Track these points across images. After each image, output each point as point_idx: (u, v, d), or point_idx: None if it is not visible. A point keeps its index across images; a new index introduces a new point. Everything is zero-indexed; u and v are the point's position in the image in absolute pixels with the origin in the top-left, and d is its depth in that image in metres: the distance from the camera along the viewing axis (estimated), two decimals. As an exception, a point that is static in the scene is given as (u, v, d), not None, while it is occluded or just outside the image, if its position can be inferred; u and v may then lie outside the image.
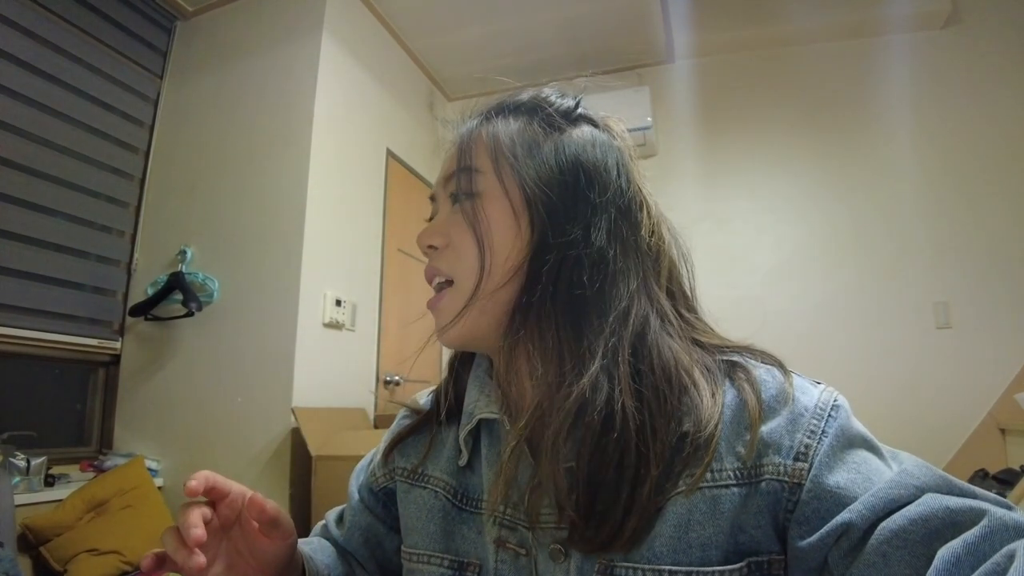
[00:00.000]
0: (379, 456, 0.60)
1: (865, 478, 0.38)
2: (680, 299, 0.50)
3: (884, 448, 0.43)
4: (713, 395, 0.42)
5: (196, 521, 0.41)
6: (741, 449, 0.41)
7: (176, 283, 2.09)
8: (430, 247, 0.51)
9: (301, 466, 1.89)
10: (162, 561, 0.43)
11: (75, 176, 2.12)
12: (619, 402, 0.41)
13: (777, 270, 2.69)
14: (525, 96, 0.53)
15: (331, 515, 0.64)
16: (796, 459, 0.40)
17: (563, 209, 0.46)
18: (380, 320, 2.50)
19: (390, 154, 2.68)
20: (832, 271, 2.62)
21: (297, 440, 1.90)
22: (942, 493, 0.36)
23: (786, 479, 0.40)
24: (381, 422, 2.32)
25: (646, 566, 0.40)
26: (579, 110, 0.52)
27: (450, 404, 0.54)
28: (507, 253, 0.47)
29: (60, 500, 1.74)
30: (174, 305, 2.11)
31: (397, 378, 2.53)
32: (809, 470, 0.39)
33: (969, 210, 2.49)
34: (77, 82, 2.13)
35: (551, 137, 0.49)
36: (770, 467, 0.40)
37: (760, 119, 2.86)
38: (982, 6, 2.63)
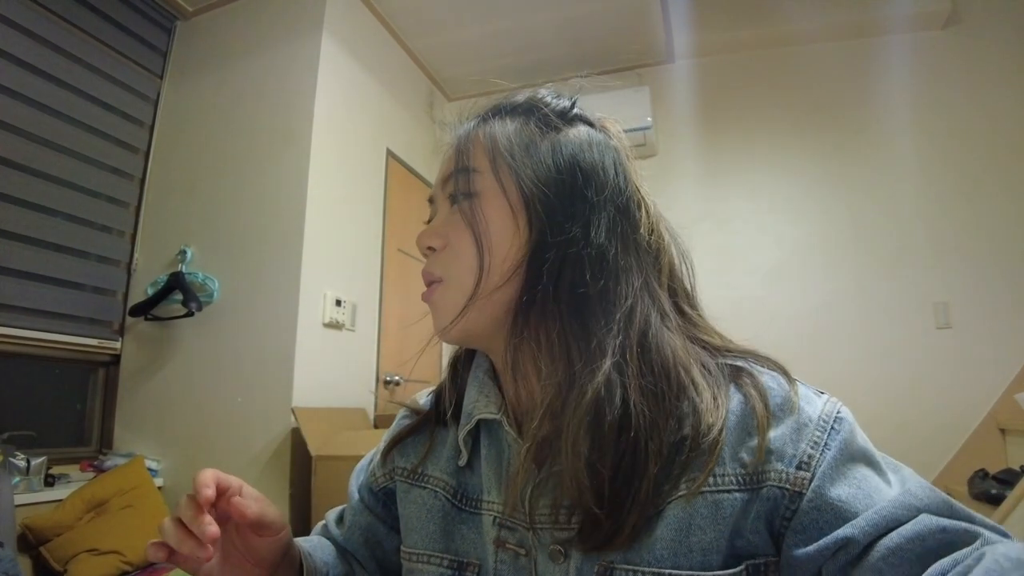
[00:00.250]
0: (379, 456, 0.60)
1: (866, 495, 0.39)
2: (682, 297, 0.50)
3: (884, 461, 0.43)
4: (715, 398, 0.42)
5: (207, 518, 0.42)
6: (745, 455, 0.41)
7: (176, 283, 2.09)
8: (429, 248, 0.51)
9: (301, 466, 1.89)
10: (170, 551, 0.43)
11: (75, 176, 2.12)
12: (632, 400, 0.41)
13: (777, 270, 2.69)
14: (521, 97, 0.53)
15: (331, 515, 0.64)
16: (799, 468, 0.40)
17: (561, 208, 0.46)
18: (380, 320, 2.50)
19: (390, 154, 2.68)
20: (832, 271, 2.62)
21: (297, 440, 1.90)
22: (942, 515, 0.37)
23: (787, 487, 0.40)
24: (381, 422, 2.32)
25: (646, 568, 0.40)
26: (575, 110, 0.52)
27: (449, 404, 0.54)
28: (506, 252, 0.47)
29: (60, 500, 1.74)
30: (174, 305, 2.11)
31: (397, 378, 2.53)
32: (811, 480, 0.40)
33: (969, 210, 2.49)
34: (77, 82, 2.13)
35: (548, 137, 0.49)
36: (773, 474, 0.40)
37: (760, 119, 2.86)
38: (982, 6, 2.63)
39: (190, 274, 2.15)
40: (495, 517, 0.48)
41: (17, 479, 1.70)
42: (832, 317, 2.57)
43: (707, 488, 0.40)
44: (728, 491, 0.40)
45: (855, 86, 2.72)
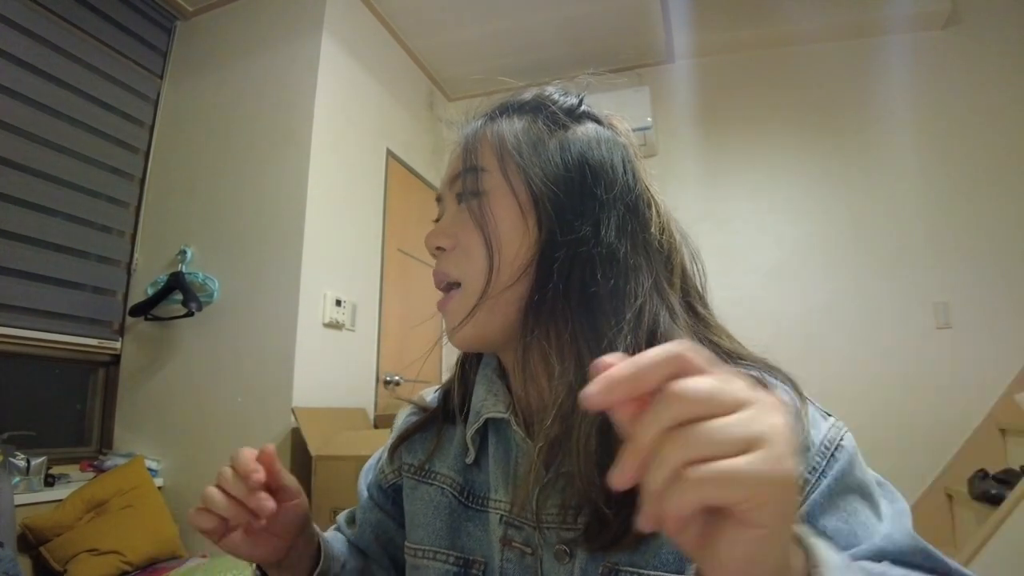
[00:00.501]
0: (386, 453, 0.60)
1: (851, 531, 0.39)
2: (694, 297, 0.50)
3: (883, 490, 0.43)
4: None
5: (263, 493, 0.44)
6: None
7: (176, 283, 2.09)
8: (438, 248, 0.51)
9: (301, 466, 1.89)
10: (224, 522, 0.44)
11: (75, 176, 2.11)
12: None
13: (777, 270, 2.69)
14: (528, 95, 0.53)
15: (341, 517, 0.65)
16: None
17: (571, 206, 0.46)
18: (380, 320, 2.50)
19: (390, 154, 2.68)
20: (832, 271, 2.62)
21: (297, 440, 1.90)
22: (918, 563, 0.37)
23: None
24: (381, 422, 2.32)
25: (651, 572, 0.40)
26: (582, 108, 0.52)
27: (457, 402, 0.55)
28: (515, 251, 0.47)
29: (60, 500, 1.74)
30: (174, 305, 2.11)
31: (397, 378, 2.53)
32: (801, 504, 0.39)
33: (969, 210, 2.49)
34: (77, 82, 2.13)
35: (556, 135, 0.49)
36: None
37: (760, 119, 2.86)
38: (982, 6, 2.63)
39: (190, 274, 2.15)
40: (502, 516, 0.48)
41: (17, 479, 1.70)
42: (832, 317, 2.57)
43: None
44: None
45: (855, 86, 2.72)
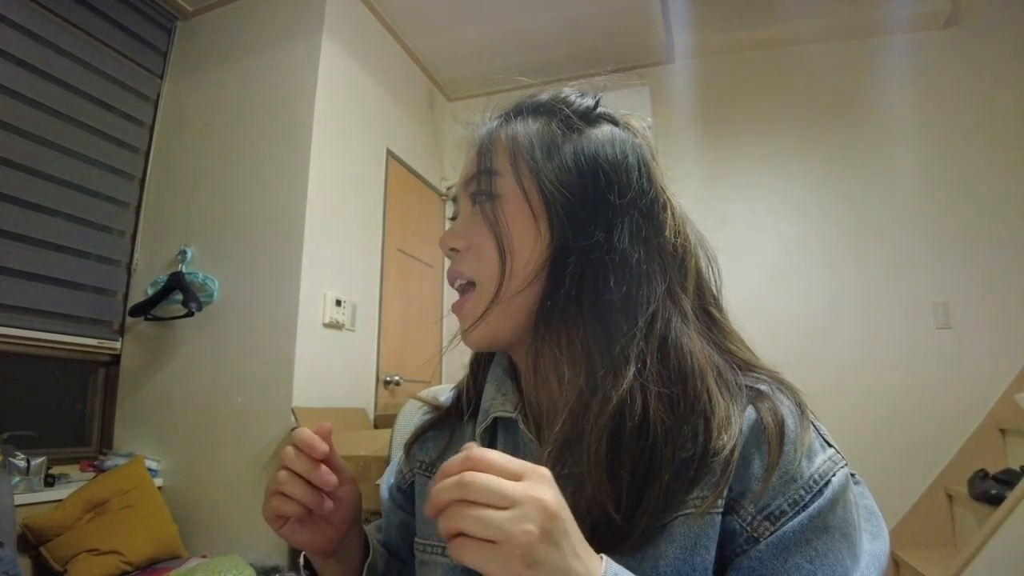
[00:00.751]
0: (403, 452, 0.61)
1: (812, 572, 0.38)
2: (709, 300, 0.50)
3: (867, 527, 0.43)
4: (729, 416, 0.42)
5: (325, 468, 0.46)
6: (735, 483, 0.41)
7: (176, 283, 2.09)
8: (452, 250, 0.52)
9: (301, 466, 1.88)
10: (303, 508, 0.46)
11: (75, 176, 2.11)
12: (652, 407, 0.41)
13: (777, 270, 2.68)
14: (544, 96, 0.53)
15: (370, 528, 0.66)
16: (766, 518, 0.40)
17: (583, 211, 0.46)
18: (380, 320, 2.50)
19: (390, 154, 2.68)
20: (832, 271, 2.62)
21: (297, 440, 1.90)
22: None
23: (747, 529, 0.40)
24: (381, 422, 2.32)
25: None
26: (599, 109, 0.52)
27: (470, 401, 0.55)
28: (527, 256, 0.47)
29: (60, 500, 1.74)
30: (174, 305, 2.11)
31: (397, 378, 2.53)
32: (772, 533, 0.39)
33: (969, 210, 2.49)
34: (77, 82, 2.13)
35: (570, 138, 0.49)
36: (742, 511, 0.40)
37: (760, 119, 2.86)
38: (982, 6, 2.63)
39: (190, 274, 2.15)
40: None
41: (17, 479, 1.70)
42: (832, 317, 2.57)
43: (715, 509, 0.40)
44: (720, 512, 0.40)
45: (855, 86, 2.72)
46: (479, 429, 0.52)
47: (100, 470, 1.96)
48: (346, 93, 2.39)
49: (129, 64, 2.34)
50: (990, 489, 1.88)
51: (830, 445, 0.44)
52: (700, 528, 0.40)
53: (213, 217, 2.24)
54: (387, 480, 0.64)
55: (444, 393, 0.63)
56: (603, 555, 0.36)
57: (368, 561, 0.53)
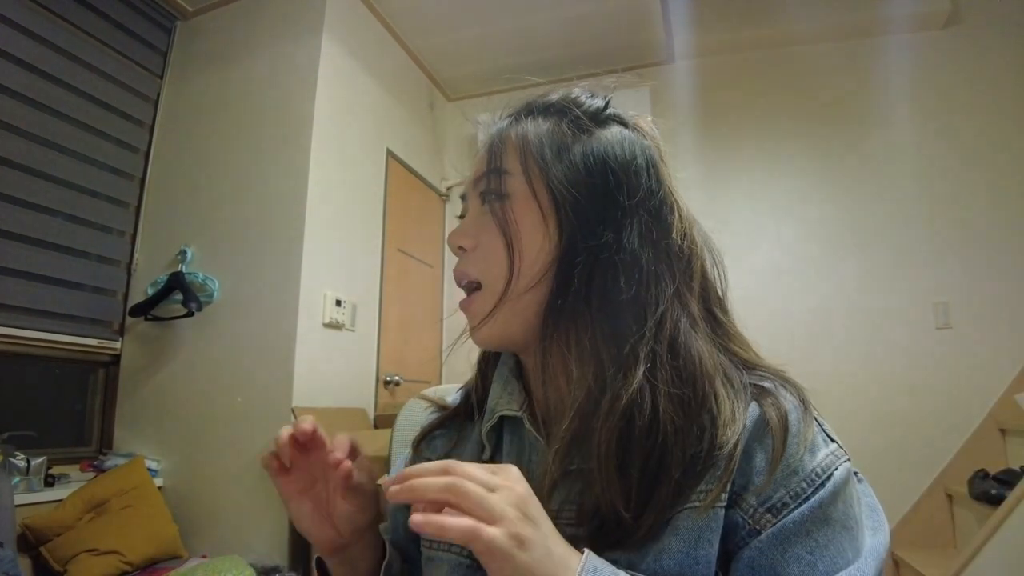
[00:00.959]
0: (410, 450, 0.61)
1: (812, 563, 0.38)
2: (714, 302, 0.50)
3: (868, 521, 0.43)
4: (734, 413, 0.42)
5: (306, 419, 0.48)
6: (738, 476, 0.42)
7: (176, 283, 2.09)
8: (460, 248, 0.52)
9: (301, 466, 1.89)
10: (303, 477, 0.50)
11: (75, 176, 2.11)
12: (661, 406, 0.42)
13: (777, 270, 2.68)
14: (555, 97, 0.53)
15: (381, 527, 0.66)
16: (768, 510, 0.40)
17: (592, 212, 0.47)
18: (380, 320, 2.50)
19: (390, 154, 2.68)
20: (832, 271, 2.62)
21: (297, 440, 1.90)
22: None
23: (750, 522, 0.40)
24: (381, 422, 2.32)
25: None
26: (608, 110, 0.52)
27: (477, 399, 0.56)
28: (535, 255, 0.47)
29: (60, 500, 1.74)
30: (174, 305, 2.11)
31: (397, 378, 2.53)
32: (773, 524, 0.40)
33: (969, 210, 2.49)
34: (77, 82, 2.13)
35: (580, 139, 0.49)
36: (744, 504, 0.41)
37: (760, 119, 2.86)
38: (982, 6, 2.63)
39: (190, 274, 2.15)
40: None
41: (17, 479, 1.70)
42: (832, 317, 2.57)
43: (719, 503, 0.41)
44: (723, 506, 0.41)
45: (855, 86, 2.72)
46: (485, 428, 0.52)
47: (100, 470, 1.96)
48: (346, 93, 2.39)
49: (129, 64, 2.34)
50: (990, 489, 1.88)
51: (833, 440, 0.44)
52: (704, 521, 0.40)
53: (213, 217, 2.24)
54: None
55: (451, 393, 0.63)
56: (586, 549, 0.38)
57: (385, 561, 0.54)
